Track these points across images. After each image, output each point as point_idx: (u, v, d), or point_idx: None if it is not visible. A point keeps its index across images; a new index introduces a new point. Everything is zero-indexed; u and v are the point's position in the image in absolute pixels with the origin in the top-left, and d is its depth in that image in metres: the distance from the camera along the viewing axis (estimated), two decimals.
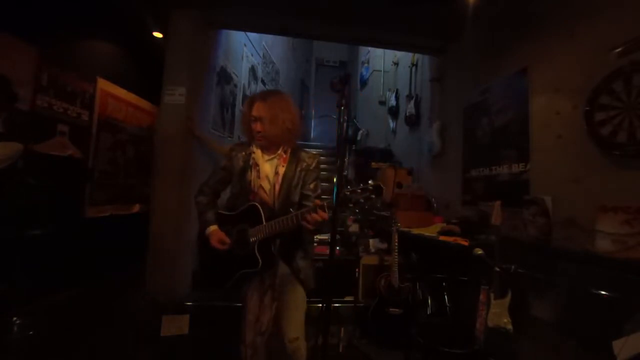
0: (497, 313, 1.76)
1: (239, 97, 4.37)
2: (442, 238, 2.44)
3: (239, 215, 1.53)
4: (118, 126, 3.66)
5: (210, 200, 1.65)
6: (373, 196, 1.22)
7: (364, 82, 6.85)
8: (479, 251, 1.87)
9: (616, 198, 1.68)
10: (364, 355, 2.41)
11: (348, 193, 1.26)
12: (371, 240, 3.21)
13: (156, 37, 3.59)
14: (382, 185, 1.22)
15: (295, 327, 1.52)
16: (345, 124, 1.19)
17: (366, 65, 6.82)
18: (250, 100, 1.58)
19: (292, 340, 1.49)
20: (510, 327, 1.72)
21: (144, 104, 4.05)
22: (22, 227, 2.31)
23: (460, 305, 2.40)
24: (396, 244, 2.53)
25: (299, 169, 1.56)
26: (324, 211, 1.28)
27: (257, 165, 1.56)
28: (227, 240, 1.52)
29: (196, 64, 3.16)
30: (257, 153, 1.59)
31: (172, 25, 3.09)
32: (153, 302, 2.79)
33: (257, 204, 1.47)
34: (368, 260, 3.01)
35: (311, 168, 1.58)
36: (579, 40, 2.00)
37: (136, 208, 3.98)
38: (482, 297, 1.82)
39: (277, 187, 1.53)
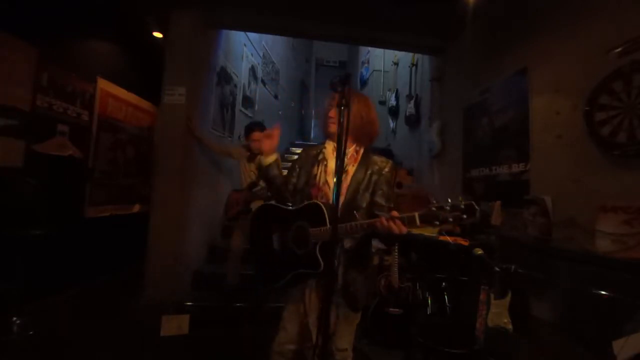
0: (497, 313, 1.76)
1: (239, 97, 4.38)
2: (442, 238, 2.44)
3: (299, 211, 1.43)
4: (118, 126, 3.66)
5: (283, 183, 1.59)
6: (464, 216, 1.06)
7: (364, 82, 6.85)
8: (479, 251, 1.87)
9: (616, 198, 1.68)
10: (364, 355, 2.41)
11: (434, 209, 1.10)
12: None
13: (156, 37, 3.59)
14: (476, 206, 1.06)
15: (346, 339, 1.45)
16: (345, 124, 1.15)
17: (366, 65, 6.82)
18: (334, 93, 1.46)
19: (342, 350, 1.44)
20: (510, 327, 1.72)
21: (144, 104, 4.05)
22: (22, 227, 2.30)
23: (460, 305, 2.39)
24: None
25: (369, 172, 1.44)
26: (404, 225, 1.16)
27: (325, 160, 1.47)
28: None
29: (196, 64, 3.17)
30: (328, 148, 1.49)
31: (172, 25, 3.10)
32: (153, 302, 2.80)
33: (319, 204, 1.36)
34: None
35: (384, 172, 1.45)
36: (579, 40, 2.00)
37: (136, 208, 3.98)
38: (482, 297, 1.82)
39: (345, 185, 1.41)
